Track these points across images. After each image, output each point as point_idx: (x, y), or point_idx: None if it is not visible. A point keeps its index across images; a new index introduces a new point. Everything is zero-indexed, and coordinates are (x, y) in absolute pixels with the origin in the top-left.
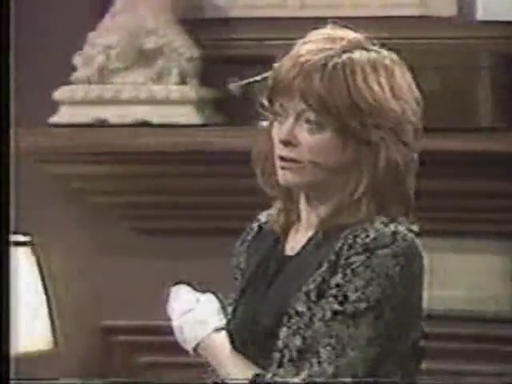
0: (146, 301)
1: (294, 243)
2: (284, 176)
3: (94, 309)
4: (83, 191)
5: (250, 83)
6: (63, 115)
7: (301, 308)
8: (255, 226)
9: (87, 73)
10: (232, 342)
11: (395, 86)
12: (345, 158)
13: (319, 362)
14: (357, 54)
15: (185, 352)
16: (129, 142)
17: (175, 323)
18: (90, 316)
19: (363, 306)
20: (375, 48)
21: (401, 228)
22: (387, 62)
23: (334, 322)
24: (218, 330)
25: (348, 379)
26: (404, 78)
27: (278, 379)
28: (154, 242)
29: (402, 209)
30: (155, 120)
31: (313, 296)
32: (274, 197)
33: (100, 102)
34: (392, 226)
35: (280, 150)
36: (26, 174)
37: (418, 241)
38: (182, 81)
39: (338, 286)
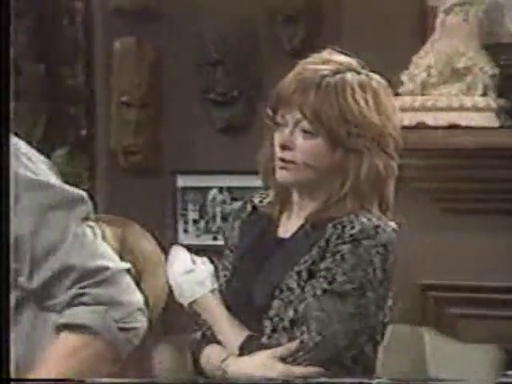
0: (451, 266)
1: (286, 227)
2: (282, 175)
3: (412, 270)
4: (404, 179)
5: None
6: None
7: (292, 284)
8: (249, 206)
9: (412, 87)
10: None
11: (379, 104)
12: (333, 161)
13: (309, 332)
14: (348, 76)
15: (488, 305)
16: (443, 141)
17: (176, 280)
18: (409, 275)
19: (349, 286)
20: (365, 71)
21: (381, 222)
22: (374, 83)
23: (324, 298)
24: (213, 291)
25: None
26: (388, 99)
27: (272, 342)
28: (458, 220)
29: (382, 207)
30: (463, 123)
31: (304, 275)
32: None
33: (422, 109)
34: (374, 220)
35: (279, 153)
36: None
37: (394, 234)
38: (485, 93)
39: (327, 269)
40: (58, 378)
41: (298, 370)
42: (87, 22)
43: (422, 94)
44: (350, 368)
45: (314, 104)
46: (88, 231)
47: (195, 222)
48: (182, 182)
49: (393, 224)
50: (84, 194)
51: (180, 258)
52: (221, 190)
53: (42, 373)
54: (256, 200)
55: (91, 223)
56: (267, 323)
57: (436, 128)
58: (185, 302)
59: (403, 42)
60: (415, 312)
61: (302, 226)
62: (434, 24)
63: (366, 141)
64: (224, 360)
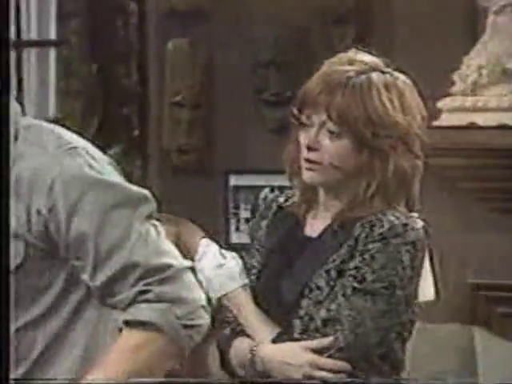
0: (500, 265)
1: (313, 227)
2: (308, 175)
3: (462, 270)
4: (454, 179)
5: None
6: (444, 120)
7: (321, 283)
8: (274, 205)
9: (463, 87)
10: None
11: (404, 104)
12: (359, 162)
13: (342, 330)
14: (373, 76)
15: None
16: (492, 141)
17: (206, 274)
18: (460, 275)
19: (379, 285)
20: (390, 71)
21: (409, 221)
22: (399, 83)
23: (354, 297)
24: (244, 286)
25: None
26: (413, 98)
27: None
28: (507, 219)
29: (408, 205)
30: None
31: (333, 274)
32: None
33: (472, 109)
34: (403, 219)
35: (305, 154)
36: None
37: (422, 232)
38: None
39: (357, 268)
40: (123, 374)
41: (325, 360)
42: (141, 24)
43: (473, 95)
44: (378, 365)
45: (340, 105)
46: (151, 229)
47: (247, 220)
48: (234, 181)
49: (421, 222)
50: (147, 192)
51: (210, 252)
52: (272, 189)
53: (105, 369)
54: (281, 199)
55: (154, 221)
56: (297, 322)
57: (486, 128)
58: (214, 295)
59: (454, 42)
60: (465, 311)
61: (330, 225)
62: (485, 25)
63: (391, 141)
64: (254, 348)
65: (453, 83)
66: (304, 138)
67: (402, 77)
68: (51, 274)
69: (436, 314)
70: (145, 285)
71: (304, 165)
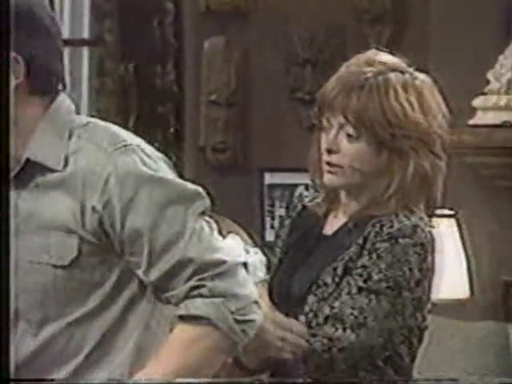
0: None
1: (332, 226)
2: (329, 179)
3: (497, 267)
4: (489, 177)
5: None
6: (479, 118)
7: (327, 280)
8: (299, 205)
9: (497, 86)
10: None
11: (423, 104)
12: (378, 164)
13: (344, 329)
14: (391, 76)
15: None
16: None
17: None
18: (494, 272)
19: (384, 285)
20: (410, 70)
21: (421, 223)
22: (418, 83)
23: (359, 296)
24: (263, 281)
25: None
26: (432, 98)
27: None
28: None
29: (428, 206)
30: None
31: (339, 271)
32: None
33: (507, 108)
34: (413, 220)
35: (325, 157)
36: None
37: (433, 235)
38: None
39: (363, 266)
40: (176, 368)
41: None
42: (177, 23)
43: (507, 93)
44: (381, 369)
45: (356, 108)
46: (205, 226)
47: (282, 218)
48: (269, 179)
49: (434, 224)
50: (201, 190)
51: (233, 246)
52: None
53: (159, 363)
54: (306, 199)
55: (207, 218)
56: (302, 318)
57: None
58: None
59: (489, 41)
60: (499, 308)
61: (345, 224)
62: None
63: (411, 142)
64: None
65: (487, 82)
66: (324, 140)
67: (421, 76)
68: (104, 269)
69: (471, 312)
70: (199, 280)
71: (325, 168)
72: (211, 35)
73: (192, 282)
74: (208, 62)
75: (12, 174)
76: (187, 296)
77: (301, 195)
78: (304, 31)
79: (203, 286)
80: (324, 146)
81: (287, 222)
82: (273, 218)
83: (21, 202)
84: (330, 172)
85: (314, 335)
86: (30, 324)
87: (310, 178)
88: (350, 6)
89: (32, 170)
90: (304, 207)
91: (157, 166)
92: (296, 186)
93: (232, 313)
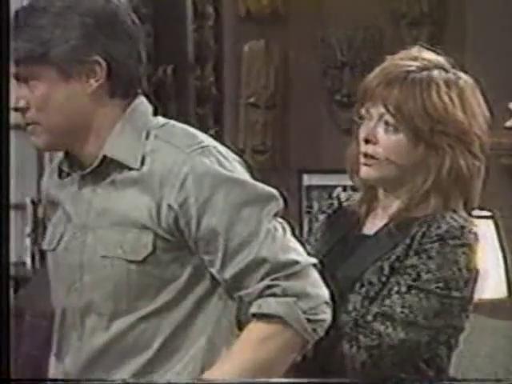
0: None
1: (371, 226)
2: (364, 171)
3: None
4: None
5: None
6: None
7: (373, 279)
8: (336, 202)
9: None
10: None
11: (465, 103)
12: (415, 158)
13: (394, 326)
14: (435, 73)
15: None
16: None
17: None
18: None
19: (434, 285)
20: (454, 70)
21: (467, 224)
22: (460, 82)
23: (409, 294)
24: None
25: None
26: (474, 98)
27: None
28: None
29: (467, 208)
30: None
31: (386, 271)
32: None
33: None
34: (460, 221)
35: (362, 147)
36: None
37: (478, 236)
38: None
39: (413, 266)
40: (249, 365)
41: None
42: (217, 26)
43: None
44: (423, 371)
45: (397, 99)
46: (279, 227)
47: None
48: (307, 180)
49: (476, 224)
50: (275, 191)
51: None
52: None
53: (232, 359)
54: (343, 197)
55: (280, 219)
56: (344, 317)
57: None
58: None
59: None
60: None
61: (386, 224)
62: None
63: (449, 139)
64: None
65: None
66: (363, 131)
67: (464, 76)
68: (177, 266)
69: (509, 312)
70: (272, 280)
71: (361, 160)
72: (251, 39)
73: (266, 282)
74: (247, 65)
75: (88, 170)
76: (260, 295)
77: (338, 194)
78: (342, 34)
79: (277, 285)
80: (362, 135)
81: (321, 217)
82: (311, 219)
83: (95, 197)
84: (366, 164)
85: (361, 332)
86: (101, 318)
87: (349, 177)
88: (388, 9)
89: (108, 167)
90: (340, 206)
91: (232, 167)
92: (334, 187)
93: (304, 312)
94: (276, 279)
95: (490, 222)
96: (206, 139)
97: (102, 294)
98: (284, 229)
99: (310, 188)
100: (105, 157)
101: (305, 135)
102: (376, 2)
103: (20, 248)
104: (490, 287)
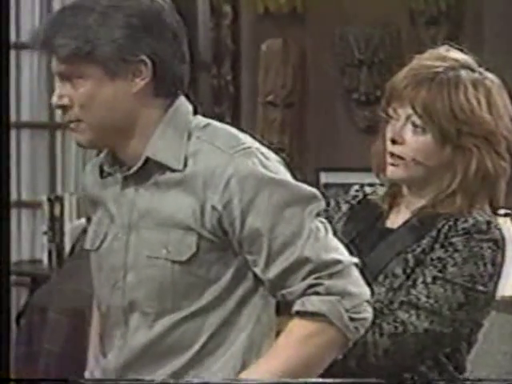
0: None
1: (395, 220)
2: (392, 171)
3: None
4: None
5: None
6: None
7: (397, 271)
8: (360, 194)
9: None
10: None
11: (491, 103)
12: (442, 158)
13: (418, 315)
14: (462, 73)
15: None
16: None
17: None
18: None
19: (460, 279)
20: (480, 70)
21: (493, 219)
22: (487, 82)
23: (434, 285)
24: None
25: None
26: (501, 98)
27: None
28: None
29: (492, 207)
30: None
31: (411, 263)
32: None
33: None
34: (486, 217)
35: (390, 147)
36: None
37: (504, 233)
38: None
39: (439, 258)
40: (292, 361)
41: None
42: (235, 25)
43: None
44: (443, 365)
45: (425, 100)
46: (321, 226)
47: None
48: (324, 178)
49: (501, 222)
50: (317, 191)
51: None
52: (362, 186)
53: (275, 356)
54: (368, 190)
55: (322, 219)
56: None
57: None
58: None
59: None
60: None
61: (409, 219)
62: None
63: (475, 139)
64: None
65: None
66: (389, 131)
67: (491, 76)
68: (221, 266)
69: None
70: (315, 278)
71: (388, 160)
72: (268, 37)
73: (309, 281)
74: (265, 63)
75: (131, 171)
76: (304, 293)
77: (362, 186)
78: (360, 33)
79: (320, 284)
80: (389, 135)
81: (344, 207)
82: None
83: (138, 198)
84: (392, 164)
85: (385, 320)
86: (145, 317)
87: (375, 174)
88: (406, 7)
89: (151, 168)
90: (365, 197)
91: (275, 167)
92: (351, 185)
93: (347, 310)
94: (319, 278)
95: (508, 220)
96: (248, 140)
97: (146, 293)
98: (326, 228)
99: (327, 186)
100: (147, 158)
101: (322, 133)
102: (394, 1)
103: (33, 246)
104: (510, 285)
